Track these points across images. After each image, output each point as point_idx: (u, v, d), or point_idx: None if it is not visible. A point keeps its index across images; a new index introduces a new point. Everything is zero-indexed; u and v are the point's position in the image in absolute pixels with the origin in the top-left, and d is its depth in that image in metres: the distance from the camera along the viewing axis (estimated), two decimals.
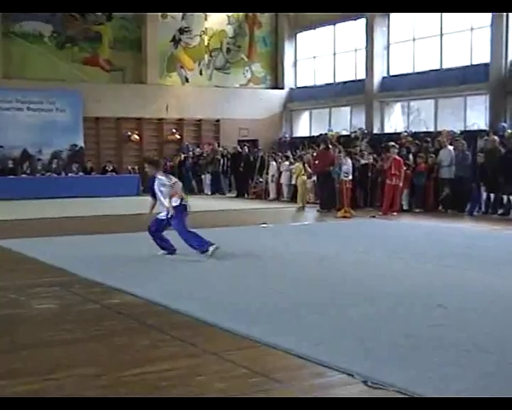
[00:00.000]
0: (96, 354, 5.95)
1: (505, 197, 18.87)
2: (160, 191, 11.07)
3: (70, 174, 28.21)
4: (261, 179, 26.90)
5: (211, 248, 10.72)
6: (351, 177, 20.16)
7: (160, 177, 11.21)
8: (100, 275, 9.44)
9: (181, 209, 11.05)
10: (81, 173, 28.48)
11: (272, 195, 25.95)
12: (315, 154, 22.70)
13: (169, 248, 11.28)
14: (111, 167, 29.34)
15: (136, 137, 30.97)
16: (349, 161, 20.66)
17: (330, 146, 22.02)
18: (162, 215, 11.12)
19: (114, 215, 19.13)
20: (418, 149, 21.77)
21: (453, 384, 5.03)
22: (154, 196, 11.33)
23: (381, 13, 28.40)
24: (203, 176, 29.38)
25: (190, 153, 30.54)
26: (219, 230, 14.41)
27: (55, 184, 26.74)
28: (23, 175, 27.37)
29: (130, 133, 30.86)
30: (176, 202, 11.00)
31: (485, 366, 5.47)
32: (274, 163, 26.18)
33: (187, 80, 32.54)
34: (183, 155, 30.47)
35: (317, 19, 31.21)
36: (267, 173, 26.38)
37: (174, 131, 31.78)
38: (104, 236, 14.25)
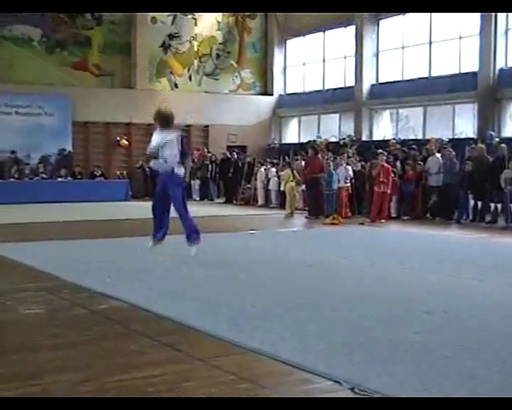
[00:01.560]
0: (82, 360, 5.92)
1: (492, 205, 18.95)
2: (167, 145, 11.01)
3: (58, 179, 28.12)
4: (249, 186, 26.92)
5: (193, 249, 10.65)
6: (348, 183, 20.45)
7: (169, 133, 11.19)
8: (87, 280, 9.41)
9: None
10: (69, 178, 28.39)
11: (260, 201, 25.97)
12: (304, 161, 22.70)
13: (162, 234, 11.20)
14: (99, 172, 29.28)
15: (125, 142, 30.94)
16: (349, 166, 20.84)
17: (319, 152, 22.09)
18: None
19: (102, 220, 19.10)
20: (406, 157, 21.84)
21: (440, 389, 5.03)
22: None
23: (370, 20, 28.50)
24: (192, 181, 29.34)
25: None
26: (207, 236, 14.38)
27: (43, 188, 26.63)
28: (11, 179, 27.27)
29: (119, 138, 30.85)
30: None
31: (472, 370, 5.48)
32: (262, 169, 26.22)
33: (176, 86, 32.56)
34: None
35: (307, 25, 31.32)
36: (255, 179, 26.39)
37: None
38: (92, 241, 14.21)
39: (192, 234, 10.79)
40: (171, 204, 11.01)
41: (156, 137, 11.13)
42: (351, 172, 21.41)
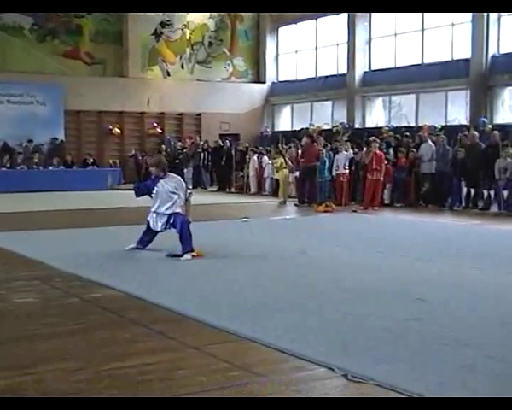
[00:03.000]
0: (76, 348, 5.92)
1: (485, 192, 18.99)
2: (170, 197, 10.71)
3: (50, 167, 28.03)
4: (242, 173, 26.90)
5: (187, 256, 10.32)
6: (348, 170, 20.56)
7: (170, 182, 10.84)
8: (80, 269, 9.40)
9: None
10: (61, 167, 28.30)
11: (253, 189, 25.95)
12: (300, 149, 22.61)
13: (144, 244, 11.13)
14: (91, 160, 29.18)
15: (118, 130, 30.88)
16: (348, 152, 20.92)
17: (316, 140, 22.09)
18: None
19: (95, 209, 19.07)
20: (399, 144, 21.85)
21: (431, 377, 5.05)
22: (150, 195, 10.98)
23: None
24: (185, 170, 29.29)
25: (164, 147, 30.33)
26: (200, 224, 14.35)
27: (36, 177, 26.54)
28: (3, 168, 27.15)
29: (111, 127, 30.78)
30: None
31: (464, 359, 5.50)
32: (255, 157, 26.20)
33: (168, 74, 32.48)
34: (161, 149, 30.38)
35: (299, 13, 31.21)
36: (248, 168, 26.37)
37: (155, 124, 31.72)
38: (84, 229, 14.20)
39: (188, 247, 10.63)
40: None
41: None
42: (348, 158, 21.35)
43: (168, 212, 10.66)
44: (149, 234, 11.08)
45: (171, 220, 10.62)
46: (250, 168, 26.21)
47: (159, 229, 10.84)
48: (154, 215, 10.81)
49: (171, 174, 11.16)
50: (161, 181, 10.78)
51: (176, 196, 10.73)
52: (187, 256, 10.25)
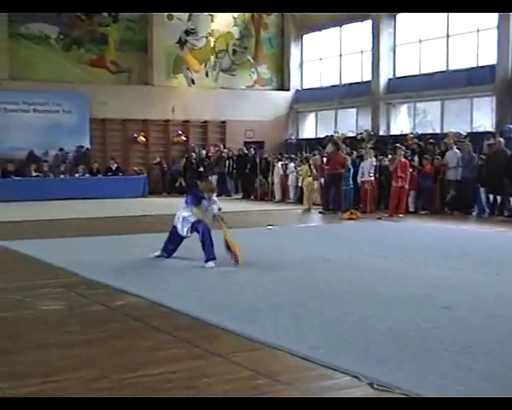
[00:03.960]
0: (99, 356, 5.93)
1: (511, 199, 18.83)
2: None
3: (76, 175, 28.18)
4: (265, 181, 26.89)
5: (210, 263, 10.41)
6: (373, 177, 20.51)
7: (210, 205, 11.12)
8: (105, 277, 9.43)
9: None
10: (87, 175, 28.44)
11: (277, 196, 25.94)
12: (326, 157, 22.54)
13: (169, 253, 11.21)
14: (115, 165, 29.28)
15: (143, 138, 30.98)
16: (372, 160, 20.84)
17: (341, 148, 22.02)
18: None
19: (120, 217, 19.14)
20: (424, 151, 21.74)
21: (458, 386, 5.01)
22: None
23: (387, 14, 28.38)
24: (210, 178, 29.32)
25: (193, 154, 30.45)
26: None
27: (62, 185, 26.73)
28: (29, 177, 27.34)
29: (136, 135, 30.88)
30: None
31: (488, 368, 5.45)
32: (279, 165, 26.20)
33: (193, 82, 32.55)
34: (186, 157, 30.50)
35: (324, 20, 31.21)
36: (272, 175, 26.37)
37: (180, 132, 31.79)
38: (110, 237, 14.25)
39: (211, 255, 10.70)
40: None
41: None
42: (373, 165, 21.27)
43: (193, 220, 10.77)
44: (174, 241, 11.13)
45: (195, 226, 10.73)
46: (274, 176, 26.20)
47: (184, 234, 10.90)
48: (181, 220, 10.89)
49: (215, 199, 11.29)
50: (205, 202, 10.99)
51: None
52: (210, 264, 10.31)
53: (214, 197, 11.25)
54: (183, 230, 10.88)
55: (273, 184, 26.34)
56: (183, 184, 29.94)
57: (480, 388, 5.00)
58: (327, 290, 8.59)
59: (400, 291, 8.50)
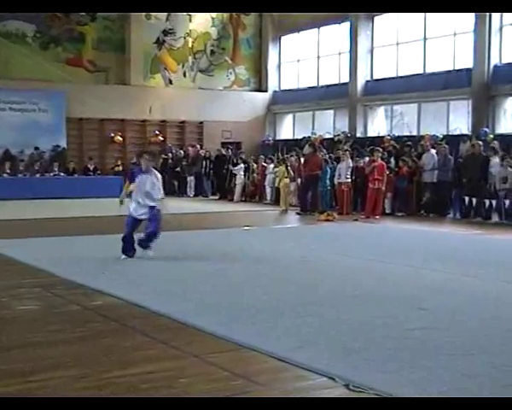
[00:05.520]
0: (78, 356, 5.93)
1: (487, 202, 18.99)
2: (152, 188, 11.00)
3: (52, 175, 28.03)
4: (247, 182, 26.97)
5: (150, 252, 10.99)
6: (349, 179, 20.58)
7: (157, 173, 11.20)
8: (82, 277, 9.41)
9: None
10: (63, 174, 28.29)
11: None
12: (303, 159, 22.61)
13: (131, 251, 11.24)
14: (93, 165, 29.21)
15: (120, 138, 30.92)
16: (350, 161, 20.92)
17: (318, 150, 22.09)
18: (142, 215, 11.08)
19: (96, 217, 19.06)
20: (400, 153, 21.86)
21: (434, 386, 5.05)
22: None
23: (365, 16, 28.52)
24: (188, 178, 29.33)
25: (170, 154, 30.46)
26: (202, 232, 14.40)
27: (37, 184, 26.55)
28: (4, 175, 27.15)
29: (113, 134, 30.81)
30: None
31: (467, 368, 5.51)
32: (255, 166, 26.32)
33: (170, 82, 32.52)
34: (164, 157, 30.46)
35: (302, 22, 31.30)
36: (252, 174, 26.44)
37: (157, 132, 31.74)
38: (86, 237, 14.20)
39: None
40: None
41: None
42: (350, 167, 21.36)
43: (150, 204, 10.95)
44: (130, 228, 11.17)
45: (151, 213, 10.96)
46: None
47: (137, 216, 11.06)
48: (134, 204, 11.09)
49: (155, 172, 11.28)
50: (143, 175, 11.06)
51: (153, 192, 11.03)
52: (149, 252, 10.96)
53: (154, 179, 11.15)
54: (136, 211, 11.09)
55: (243, 184, 26.45)
56: None
57: (461, 388, 5.03)
58: (307, 292, 8.62)
59: (381, 292, 8.55)
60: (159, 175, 11.22)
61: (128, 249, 11.13)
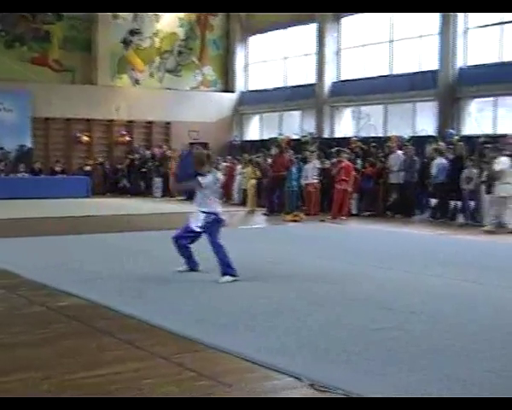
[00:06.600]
0: (42, 358, 5.88)
1: (452, 203, 19.14)
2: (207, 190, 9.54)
3: (18, 175, 27.77)
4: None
5: (228, 277, 9.30)
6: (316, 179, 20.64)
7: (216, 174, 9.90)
8: (46, 277, 9.33)
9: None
10: (27, 175, 28.02)
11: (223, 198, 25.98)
12: (271, 159, 22.63)
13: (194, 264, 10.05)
14: (60, 168, 29.01)
15: (86, 138, 30.71)
16: (317, 162, 20.96)
17: (284, 151, 22.11)
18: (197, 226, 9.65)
19: (63, 217, 18.93)
20: (366, 154, 21.97)
21: (398, 386, 5.08)
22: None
23: (332, 18, 28.61)
24: (154, 179, 29.24)
25: (137, 155, 30.36)
26: (169, 233, 14.31)
27: (2, 184, 26.24)
28: None
29: (79, 134, 30.59)
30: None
31: (429, 367, 5.55)
32: (223, 165, 26.29)
33: (137, 82, 32.37)
34: (130, 157, 30.37)
35: (269, 23, 31.33)
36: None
37: (124, 133, 31.58)
38: (52, 238, 14.09)
39: (230, 268, 9.49)
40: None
41: None
42: (316, 168, 21.44)
43: (204, 209, 9.60)
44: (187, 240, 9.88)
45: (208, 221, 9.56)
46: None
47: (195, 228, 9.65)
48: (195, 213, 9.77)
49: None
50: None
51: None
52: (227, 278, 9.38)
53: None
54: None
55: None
56: (127, 185, 29.85)
57: (429, 391, 5.05)
58: (271, 291, 8.62)
59: (345, 293, 8.58)
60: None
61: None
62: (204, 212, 9.56)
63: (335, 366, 5.59)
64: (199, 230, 9.61)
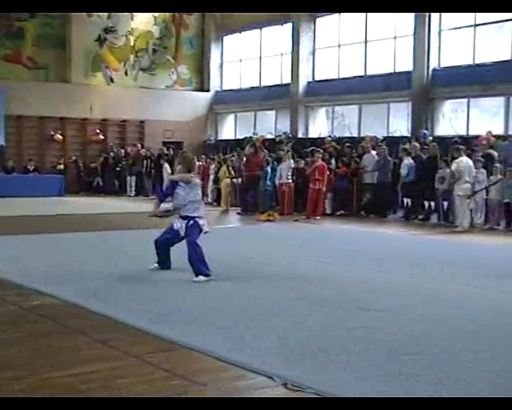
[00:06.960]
0: (15, 357, 5.84)
1: (426, 203, 19.26)
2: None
3: None
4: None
5: (201, 277, 9.28)
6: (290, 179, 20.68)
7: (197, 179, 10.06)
8: (18, 277, 9.27)
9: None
10: (0, 173, 27.81)
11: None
12: (245, 158, 22.66)
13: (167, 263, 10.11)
14: (33, 166, 28.83)
15: (60, 136, 30.53)
16: (291, 161, 20.99)
17: (258, 150, 22.13)
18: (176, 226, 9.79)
19: (36, 216, 18.80)
20: (341, 154, 22.04)
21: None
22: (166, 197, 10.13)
23: (307, 18, 28.67)
24: (128, 177, 29.14)
25: (111, 153, 30.27)
26: (143, 232, 14.29)
27: None
28: None
29: (53, 133, 30.41)
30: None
31: (403, 366, 5.58)
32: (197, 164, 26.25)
33: (112, 80, 32.24)
34: (104, 156, 30.26)
35: (244, 22, 31.34)
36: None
37: (98, 131, 31.44)
38: (25, 236, 13.99)
39: (204, 268, 9.50)
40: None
41: None
42: (291, 168, 21.49)
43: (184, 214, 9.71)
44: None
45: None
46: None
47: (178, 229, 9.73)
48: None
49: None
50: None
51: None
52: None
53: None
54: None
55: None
56: (101, 183, 29.74)
57: (398, 388, 5.09)
58: (245, 291, 8.63)
59: (321, 292, 8.61)
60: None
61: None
62: (188, 217, 9.68)
63: (304, 365, 5.60)
64: (182, 233, 9.69)
